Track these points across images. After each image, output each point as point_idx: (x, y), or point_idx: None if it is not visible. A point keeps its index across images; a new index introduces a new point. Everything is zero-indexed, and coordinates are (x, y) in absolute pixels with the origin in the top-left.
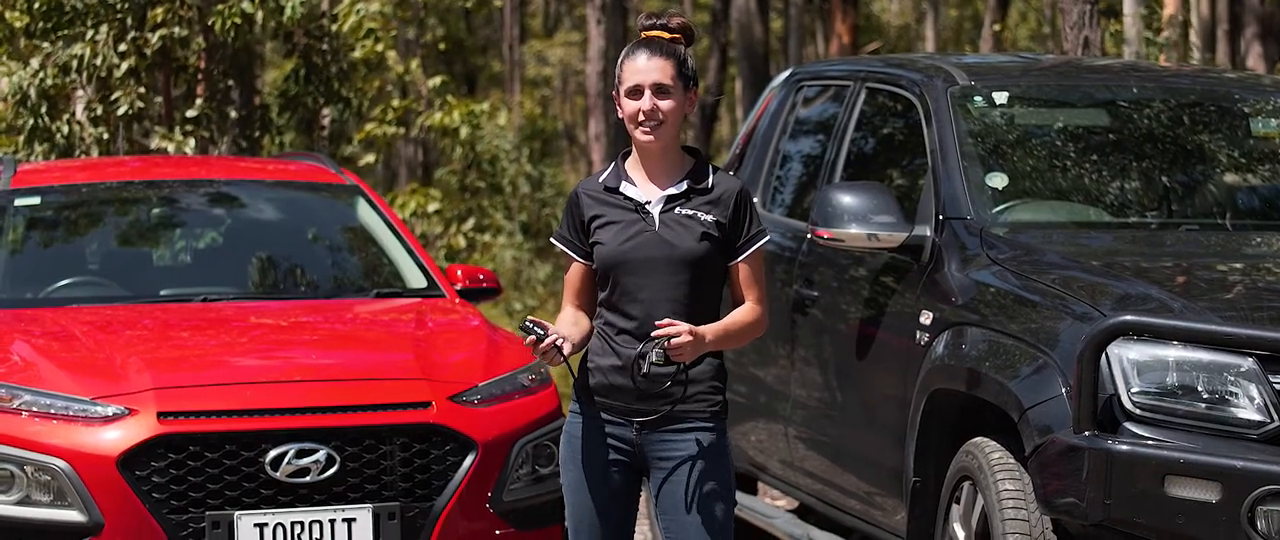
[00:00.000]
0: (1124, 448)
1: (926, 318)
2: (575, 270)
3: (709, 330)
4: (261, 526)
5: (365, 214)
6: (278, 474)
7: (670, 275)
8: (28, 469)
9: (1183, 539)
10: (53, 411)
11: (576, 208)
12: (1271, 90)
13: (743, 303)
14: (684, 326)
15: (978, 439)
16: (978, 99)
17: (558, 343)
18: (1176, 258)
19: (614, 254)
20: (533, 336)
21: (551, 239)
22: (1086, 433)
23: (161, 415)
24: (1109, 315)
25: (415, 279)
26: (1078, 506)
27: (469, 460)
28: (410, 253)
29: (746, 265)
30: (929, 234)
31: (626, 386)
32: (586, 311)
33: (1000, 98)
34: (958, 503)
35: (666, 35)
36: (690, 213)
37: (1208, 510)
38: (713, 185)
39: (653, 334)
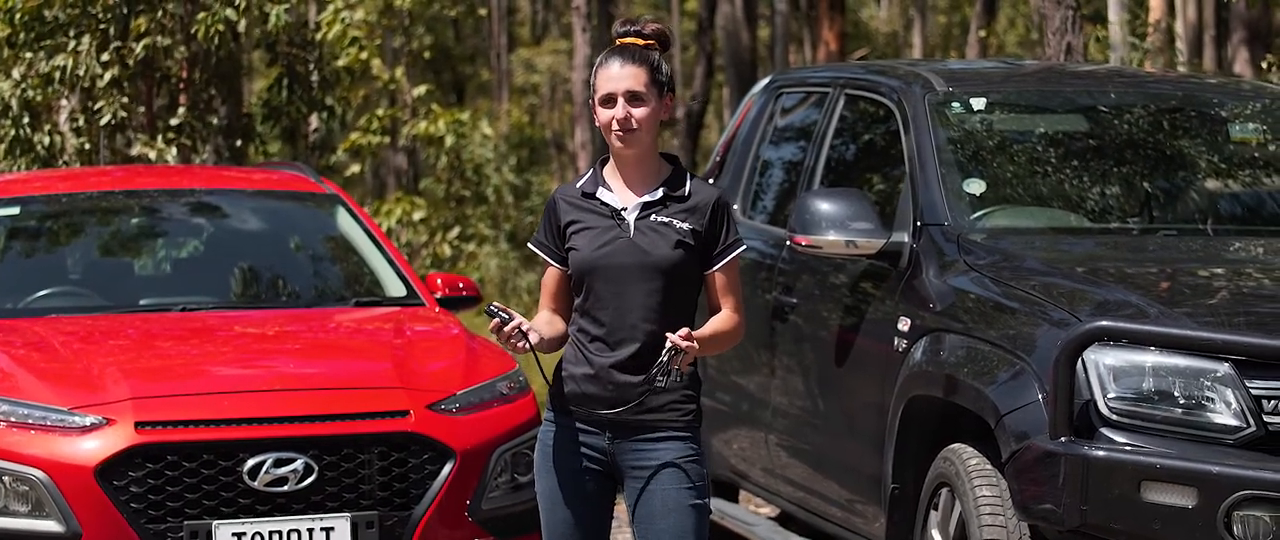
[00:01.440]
0: (1100, 453)
1: (904, 324)
2: (551, 275)
3: (700, 335)
4: (239, 536)
5: (345, 223)
6: (255, 483)
7: (644, 282)
8: (5, 479)
9: None
10: (30, 421)
11: (553, 213)
12: (1250, 95)
13: (718, 311)
14: (694, 344)
15: (955, 445)
16: (956, 105)
17: (523, 327)
18: (1156, 263)
19: (588, 260)
20: (497, 320)
21: (529, 244)
22: (1063, 438)
23: (139, 425)
24: (1085, 321)
25: (395, 288)
26: (1054, 512)
27: (447, 469)
28: (390, 262)
29: (722, 274)
30: (907, 240)
31: (599, 395)
32: (562, 316)
33: (978, 104)
34: (936, 509)
35: (640, 41)
36: (665, 220)
37: (1184, 515)
38: (690, 193)
39: (668, 345)
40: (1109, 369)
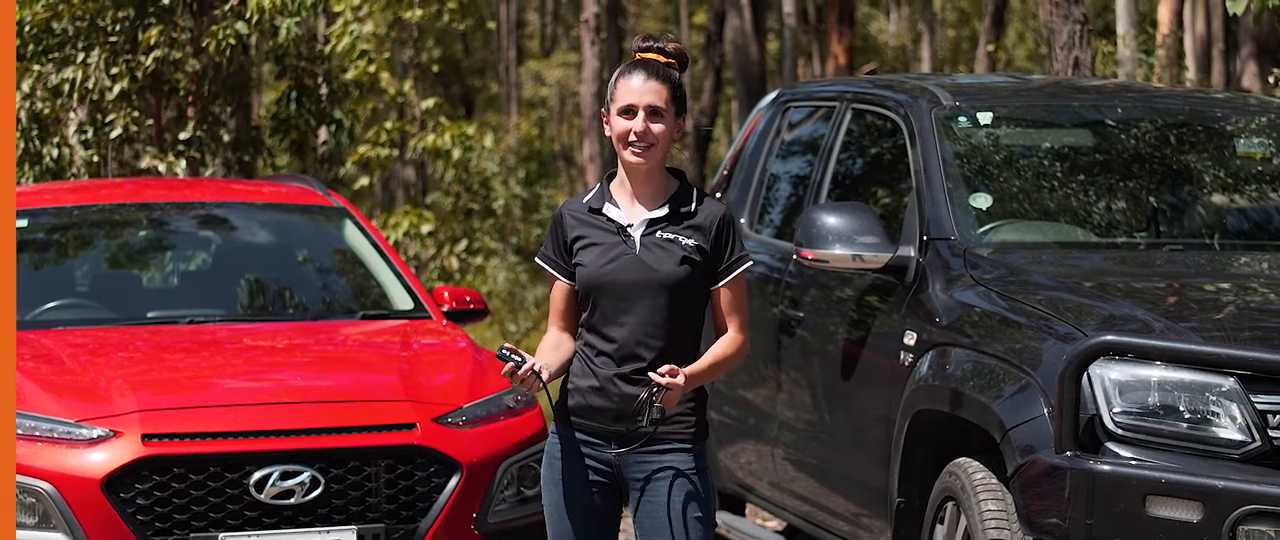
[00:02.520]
0: (1106, 468)
1: (911, 338)
2: (559, 290)
3: (693, 371)
4: None
5: (352, 236)
6: (262, 496)
7: (650, 298)
8: None
9: None
10: (38, 434)
11: (560, 228)
12: (1257, 109)
13: (723, 328)
14: (679, 379)
15: (961, 459)
16: (962, 120)
17: (536, 369)
18: (1163, 278)
19: (595, 276)
20: (511, 363)
21: (536, 259)
22: (1068, 453)
23: (146, 437)
24: (1091, 335)
25: (402, 301)
26: (1060, 526)
27: (454, 482)
28: (397, 274)
29: (728, 290)
30: (913, 254)
31: (605, 408)
32: (570, 332)
33: (985, 118)
34: (941, 523)
35: (662, 59)
36: (671, 236)
37: (1189, 530)
38: (696, 209)
39: (652, 383)
40: (1114, 383)
